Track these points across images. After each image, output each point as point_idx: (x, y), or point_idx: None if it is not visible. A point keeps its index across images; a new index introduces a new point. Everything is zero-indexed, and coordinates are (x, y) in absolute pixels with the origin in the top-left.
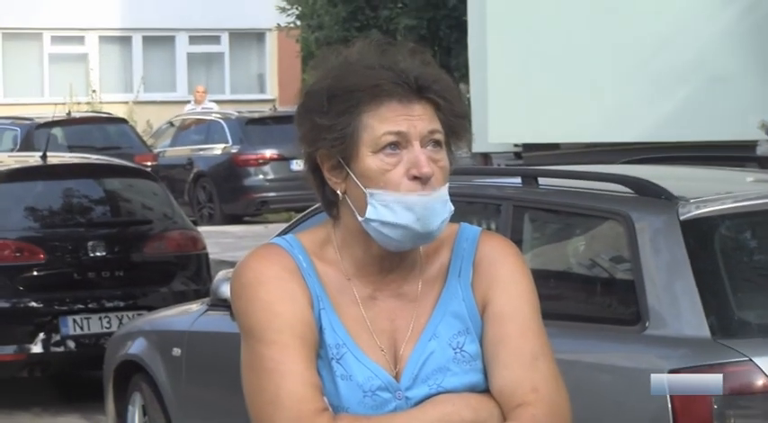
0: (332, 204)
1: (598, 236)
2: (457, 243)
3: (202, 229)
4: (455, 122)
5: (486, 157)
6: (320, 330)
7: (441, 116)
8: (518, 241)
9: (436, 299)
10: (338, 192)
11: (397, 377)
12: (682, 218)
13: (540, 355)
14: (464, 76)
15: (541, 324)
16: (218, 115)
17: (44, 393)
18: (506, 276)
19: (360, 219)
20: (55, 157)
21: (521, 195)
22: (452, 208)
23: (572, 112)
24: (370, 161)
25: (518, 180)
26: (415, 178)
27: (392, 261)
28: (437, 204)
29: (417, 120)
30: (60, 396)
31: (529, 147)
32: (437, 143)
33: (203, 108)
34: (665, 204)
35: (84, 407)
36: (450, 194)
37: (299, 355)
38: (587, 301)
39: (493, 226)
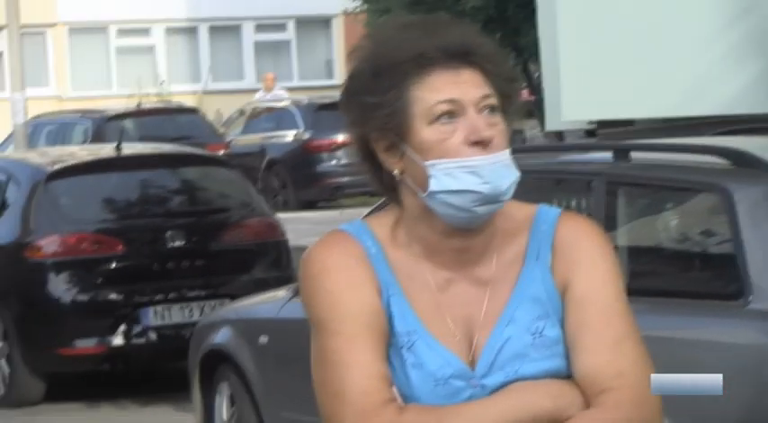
0: (392, 188)
1: (695, 209)
2: (535, 225)
3: (277, 216)
4: (506, 86)
5: (559, 135)
6: (390, 318)
7: (490, 81)
8: (612, 217)
9: (513, 283)
10: (396, 172)
11: (471, 364)
12: None
13: (626, 339)
14: (533, 56)
15: (627, 306)
16: (289, 102)
17: (129, 385)
18: (587, 258)
19: (422, 195)
20: (129, 148)
21: (613, 170)
22: (518, 173)
23: (648, 87)
24: (427, 133)
25: (609, 155)
26: (475, 144)
27: (463, 241)
28: (501, 166)
29: (468, 86)
30: (144, 388)
31: (603, 124)
32: (492, 108)
33: (273, 95)
34: (764, 175)
35: (172, 397)
36: (539, 172)
37: (364, 346)
38: (685, 277)
39: (585, 202)
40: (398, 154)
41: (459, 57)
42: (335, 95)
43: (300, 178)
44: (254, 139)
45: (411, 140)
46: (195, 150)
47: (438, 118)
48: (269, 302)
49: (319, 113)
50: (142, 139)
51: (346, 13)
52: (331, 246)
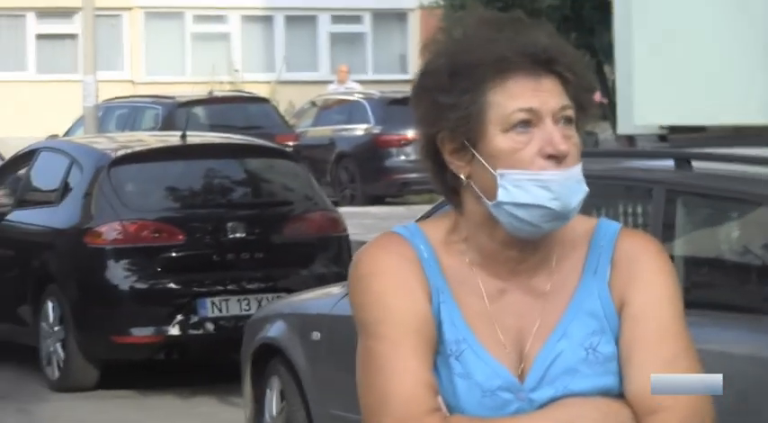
0: (454, 191)
1: (755, 222)
2: (594, 239)
3: (344, 209)
4: (584, 97)
5: (631, 139)
6: (439, 325)
7: (569, 91)
8: (671, 226)
9: (570, 296)
10: (462, 176)
11: (521, 377)
12: None
13: (680, 358)
14: (608, 58)
15: (684, 327)
16: (361, 95)
17: (179, 375)
18: (646, 275)
19: (489, 203)
20: (195, 137)
21: (674, 179)
22: (587, 189)
23: (721, 93)
24: (500, 141)
25: (670, 163)
26: (550, 157)
27: (522, 251)
28: (573, 182)
29: (548, 95)
30: (195, 378)
31: (674, 129)
32: (569, 120)
33: (346, 88)
34: None
35: (218, 389)
36: (599, 177)
37: (411, 352)
38: (742, 291)
39: (644, 210)
40: (467, 158)
41: (542, 63)
42: (407, 90)
43: (369, 172)
44: (324, 131)
45: (483, 146)
46: (260, 141)
47: (514, 126)
48: (323, 298)
49: (390, 108)
50: (212, 126)
51: (422, 8)
52: (383, 248)
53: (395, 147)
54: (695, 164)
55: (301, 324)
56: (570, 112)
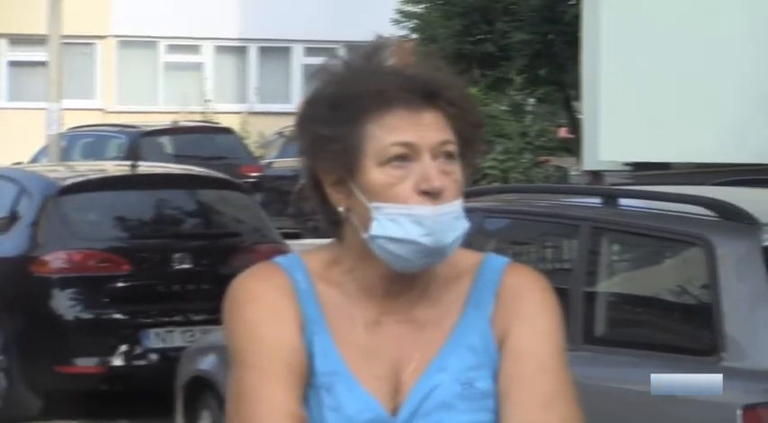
0: (335, 223)
1: (677, 260)
2: (480, 272)
3: (307, 241)
4: (469, 132)
5: (596, 174)
6: (311, 356)
7: (454, 125)
8: (595, 263)
9: (450, 329)
10: (341, 209)
11: (394, 411)
12: (765, 244)
13: (558, 396)
14: (578, 93)
15: (564, 364)
16: None
17: (122, 405)
18: (529, 310)
19: (364, 236)
20: (145, 167)
21: (599, 216)
22: (467, 225)
23: (685, 131)
24: (376, 174)
25: (598, 200)
26: (425, 193)
27: (401, 283)
28: (449, 218)
29: (427, 129)
30: (139, 409)
31: (639, 165)
32: (449, 155)
33: None
34: (749, 229)
35: (162, 420)
36: (532, 213)
37: (278, 382)
38: (662, 329)
39: (570, 246)
40: (346, 190)
41: (423, 97)
42: None
43: None
44: (289, 162)
45: (360, 179)
46: (210, 172)
47: (390, 160)
48: None
49: None
50: (177, 156)
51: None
52: (259, 276)
53: None
54: (623, 201)
55: None
56: (451, 148)
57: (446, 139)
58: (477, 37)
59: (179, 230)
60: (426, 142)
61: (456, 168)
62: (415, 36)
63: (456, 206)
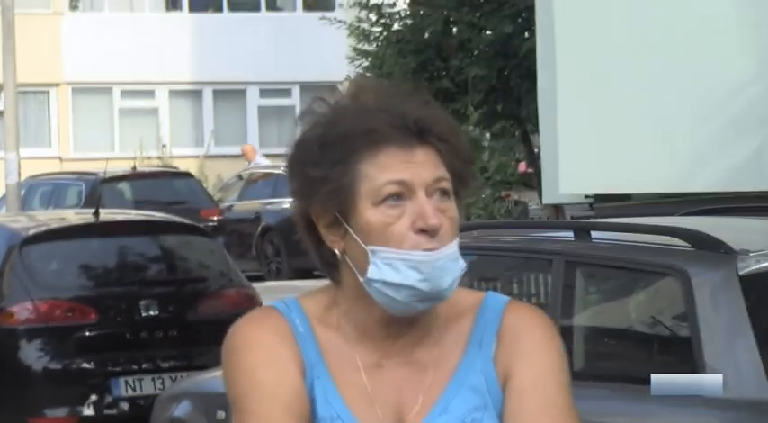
0: (331, 266)
1: (653, 292)
2: (480, 312)
3: (270, 284)
4: (461, 168)
5: (557, 208)
6: (312, 401)
7: (446, 162)
8: (570, 297)
9: (453, 370)
10: (336, 251)
11: None
12: (741, 273)
13: None
14: (535, 127)
15: (569, 401)
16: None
17: None
18: (531, 348)
19: (361, 279)
20: (108, 214)
21: (572, 250)
22: (464, 265)
23: (645, 162)
24: (371, 215)
25: (571, 234)
26: (422, 231)
27: (400, 326)
28: (447, 261)
29: (420, 167)
30: None
31: (600, 197)
32: (444, 192)
33: (255, 164)
34: (724, 258)
35: None
36: (505, 250)
37: None
38: (642, 361)
39: (544, 281)
40: (340, 232)
41: (415, 134)
42: None
43: (294, 246)
44: (250, 205)
45: (354, 221)
46: (174, 218)
47: (385, 200)
48: None
49: None
50: (137, 202)
51: (349, 79)
52: (256, 321)
53: None
54: (596, 234)
55: (206, 403)
56: (446, 185)
57: (440, 175)
58: (433, 73)
59: (144, 277)
60: (420, 180)
61: (451, 205)
62: (369, 75)
63: (453, 248)
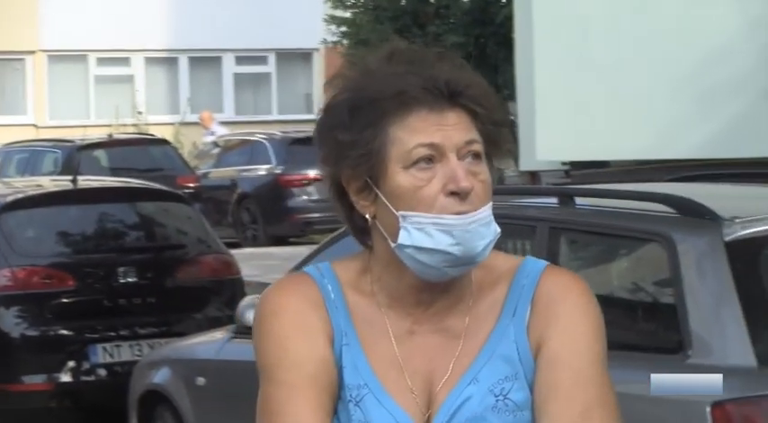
0: (363, 231)
1: (638, 259)
2: (516, 278)
3: (247, 250)
4: (494, 131)
5: (533, 175)
6: (340, 369)
7: (478, 125)
8: (554, 264)
9: (485, 338)
10: (367, 216)
11: None
12: (727, 239)
13: (596, 407)
14: (512, 94)
15: (604, 372)
16: (263, 136)
17: (74, 420)
18: (566, 316)
19: (392, 245)
20: (86, 181)
21: (557, 216)
22: (498, 230)
23: (621, 129)
24: (401, 178)
25: (555, 200)
26: (453, 194)
27: (432, 292)
28: (479, 226)
29: (452, 129)
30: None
31: (577, 164)
32: (476, 155)
33: (211, 132)
34: (709, 225)
35: None
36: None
37: (305, 398)
38: (627, 328)
39: (528, 248)
40: (371, 197)
41: (446, 97)
42: (310, 130)
43: (271, 213)
44: (226, 172)
45: (385, 185)
46: (152, 185)
47: (415, 163)
48: (207, 343)
49: (292, 148)
50: (113, 170)
51: (326, 45)
52: (287, 288)
53: (297, 187)
54: (580, 201)
55: (186, 369)
56: (477, 147)
57: (472, 138)
58: (410, 40)
59: (123, 244)
60: (452, 142)
61: (483, 169)
62: (345, 41)
63: (485, 212)
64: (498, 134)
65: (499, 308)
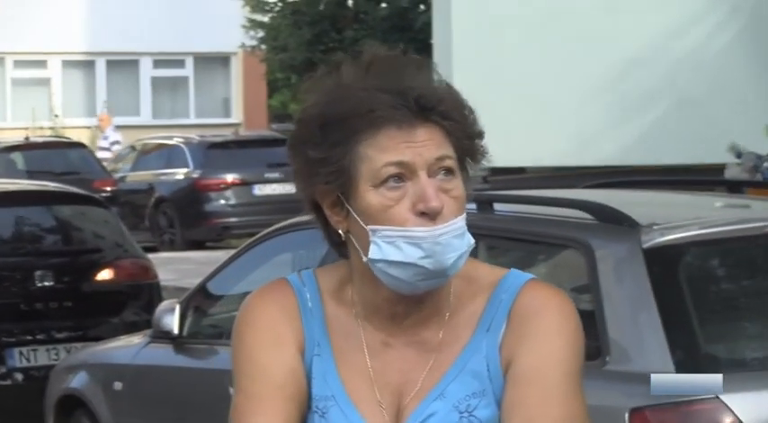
0: (341, 245)
1: (557, 265)
2: (496, 292)
3: (163, 255)
4: (468, 145)
5: None
6: (310, 380)
7: (452, 139)
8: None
9: (458, 353)
10: (341, 231)
11: None
12: (645, 246)
13: None
14: None
15: (576, 389)
16: (180, 140)
17: None
18: (539, 331)
19: (364, 259)
20: (2, 184)
21: (475, 222)
22: (472, 242)
23: (538, 136)
24: (371, 197)
25: (473, 206)
26: (423, 214)
27: (407, 305)
28: (450, 238)
29: (422, 146)
30: None
31: (495, 171)
32: (448, 171)
33: (104, 137)
34: (627, 231)
35: None
36: None
37: (272, 408)
38: None
39: None
40: (344, 213)
41: (416, 113)
42: (227, 134)
43: (188, 217)
44: (143, 175)
45: (355, 202)
46: (69, 188)
47: (385, 181)
48: (125, 347)
49: (210, 152)
50: (30, 173)
51: (244, 49)
52: (263, 297)
53: (214, 191)
54: (498, 207)
55: (103, 374)
56: (449, 163)
57: (443, 154)
58: (328, 45)
59: (39, 247)
60: (422, 160)
61: (456, 184)
62: (264, 46)
63: (457, 223)
64: (473, 147)
65: (476, 321)
